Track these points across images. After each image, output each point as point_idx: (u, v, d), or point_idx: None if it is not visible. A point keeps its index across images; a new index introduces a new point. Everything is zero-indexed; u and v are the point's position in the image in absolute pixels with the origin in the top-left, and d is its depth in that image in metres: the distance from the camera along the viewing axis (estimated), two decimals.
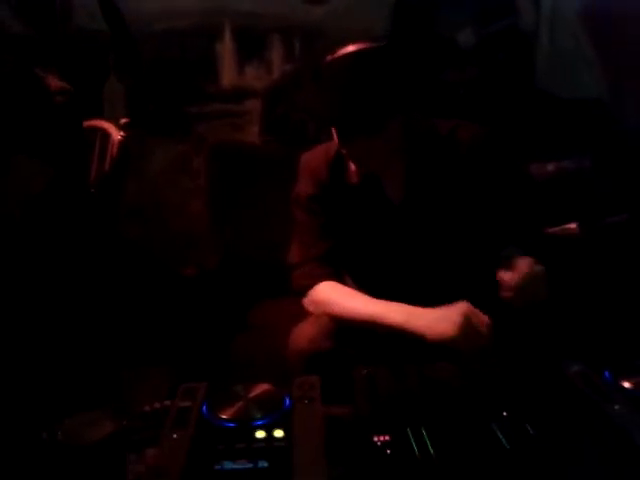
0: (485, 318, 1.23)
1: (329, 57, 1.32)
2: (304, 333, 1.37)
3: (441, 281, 1.39)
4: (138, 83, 2.16)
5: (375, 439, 0.94)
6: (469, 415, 0.98)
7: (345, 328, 1.34)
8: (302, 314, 1.44)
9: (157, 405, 1.06)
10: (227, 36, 2.17)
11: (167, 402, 1.05)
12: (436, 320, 1.24)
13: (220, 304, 1.89)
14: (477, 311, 1.24)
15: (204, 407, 1.00)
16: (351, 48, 1.31)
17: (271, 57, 2.22)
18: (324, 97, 1.31)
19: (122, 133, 1.65)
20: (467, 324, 1.22)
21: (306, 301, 1.43)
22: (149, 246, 2.04)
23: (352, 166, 1.40)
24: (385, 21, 2.15)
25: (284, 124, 2.28)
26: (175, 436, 0.94)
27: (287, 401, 1.02)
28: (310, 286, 1.41)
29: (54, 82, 1.51)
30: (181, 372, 1.62)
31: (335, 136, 1.34)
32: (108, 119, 1.74)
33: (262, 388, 1.05)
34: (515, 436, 0.94)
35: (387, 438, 0.94)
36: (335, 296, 1.39)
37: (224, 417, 0.98)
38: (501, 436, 0.94)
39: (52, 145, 1.44)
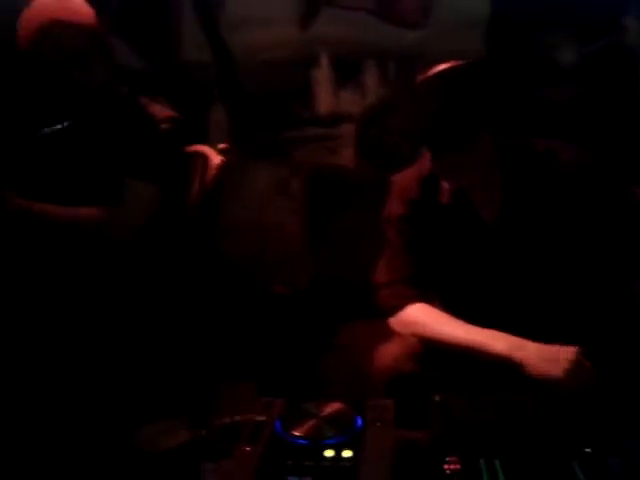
0: (591, 369, 1.18)
1: (421, 76, 1.34)
2: (388, 353, 1.37)
3: (535, 307, 1.34)
4: (240, 111, 2.27)
5: (445, 467, 0.92)
6: (548, 450, 0.94)
7: (429, 351, 1.33)
8: (389, 335, 1.44)
9: (237, 418, 1.10)
10: (324, 63, 2.24)
11: (247, 416, 1.09)
12: (543, 357, 1.20)
13: (309, 323, 1.93)
14: (585, 360, 1.19)
15: (278, 423, 1.03)
16: (442, 67, 1.33)
17: (366, 82, 2.26)
18: (417, 114, 1.33)
19: (220, 158, 1.74)
20: (575, 371, 1.17)
21: (393, 321, 1.42)
22: (244, 264, 2.12)
23: (444, 185, 1.39)
24: (480, 42, 2.13)
25: (378, 148, 2.30)
26: (248, 449, 0.97)
27: (359, 422, 1.03)
28: (398, 307, 1.41)
29: (159, 110, 1.63)
30: (269, 388, 1.66)
31: (427, 154, 1.34)
32: (209, 144, 1.84)
33: (335, 407, 1.07)
34: (596, 476, 0.88)
35: (458, 467, 0.92)
36: (428, 319, 1.37)
37: (295, 434, 1.00)
38: (581, 475, 0.89)
39: (158, 169, 1.55)
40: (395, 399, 1.12)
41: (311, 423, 1.02)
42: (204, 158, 1.82)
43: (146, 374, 1.39)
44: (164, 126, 1.61)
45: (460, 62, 1.33)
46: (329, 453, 0.95)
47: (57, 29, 1.44)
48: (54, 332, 1.40)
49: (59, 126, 1.48)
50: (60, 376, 1.34)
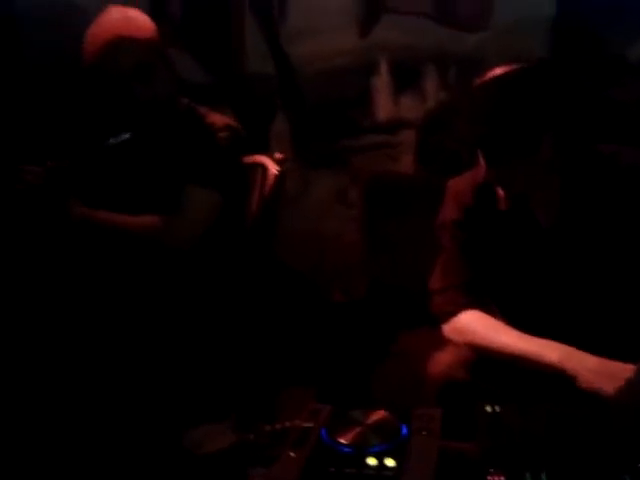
0: None
1: (478, 80, 1.32)
2: (441, 361, 1.36)
3: (592, 315, 1.29)
4: (302, 120, 2.30)
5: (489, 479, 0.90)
6: (598, 464, 0.90)
7: (482, 360, 1.30)
8: (444, 342, 1.42)
9: (286, 424, 1.12)
10: (383, 70, 2.24)
11: (295, 422, 1.10)
12: (598, 371, 1.16)
13: (367, 331, 1.93)
14: None
15: (324, 430, 1.04)
16: (498, 71, 1.30)
17: (426, 87, 2.24)
18: (473, 119, 1.31)
19: (278, 168, 1.77)
20: (631, 390, 1.12)
21: (447, 328, 1.41)
22: (304, 273, 2.15)
23: (500, 192, 1.37)
24: (544, 43, 2.07)
25: (439, 154, 2.27)
26: (293, 455, 0.99)
27: (404, 431, 1.02)
28: (452, 313, 1.39)
29: (218, 119, 1.67)
30: (327, 394, 1.67)
31: (483, 161, 1.32)
32: (267, 154, 1.87)
33: (381, 415, 1.06)
34: None
35: (502, 479, 0.90)
36: (482, 327, 1.35)
37: (340, 441, 1.00)
38: None
39: (216, 177, 1.59)
40: (445, 408, 1.10)
41: (356, 431, 1.03)
42: (263, 168, 1.86)
43: (202, 377, 1.44)
44: (222, 135, 1.64)
45: (517, 65, 1.30)
46: (372, 461, 0.95)
47: (121, 44, 1.51)
48: (109, 335, 1.46)
49: (122, 137, 1.55)
50: (114, 377, 1.40)
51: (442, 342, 1.42)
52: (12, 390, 1.39)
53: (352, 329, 1.92)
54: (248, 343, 1.65)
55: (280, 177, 1.78)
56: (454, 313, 1.38)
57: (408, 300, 1.94)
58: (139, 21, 1.59)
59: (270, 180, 1.79)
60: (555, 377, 1.18)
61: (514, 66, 1.30)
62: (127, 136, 1.56)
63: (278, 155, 1.79)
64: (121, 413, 1.31)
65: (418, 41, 2.19)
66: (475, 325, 1.35)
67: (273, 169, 1.79)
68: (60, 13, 2.28)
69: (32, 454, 1.25)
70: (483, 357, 1.30)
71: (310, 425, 1.06)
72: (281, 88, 2.31)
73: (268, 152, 2.13)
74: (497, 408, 1.06)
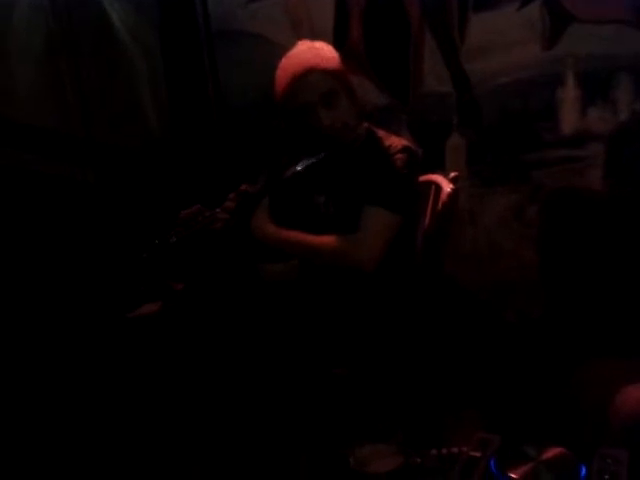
0: None
1: None
2: (633, 396, 1.25)
3: None
4: (479, 136, 2.26)
5: None
6: None
7: None
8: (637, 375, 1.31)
9: (453, 449, 1.11)
10: (570, 81, 2.12)
11: (463, 448, 1.09)
12: None
13: (542, 355, 1.83)
14: None
15: (492, 461, 1.01)
16: None
17: (618, 97, 2.08)
18: None
19: (452, 186, 1.75)
20: None
21: None
22: (478, 291, 2.10)
23: None
24: None
25: (632, 167, 2.10)
26: None
27: (583, 472, 0.96)
28: None
29: (397, 141, 1.72)
30: (494, 420, 1.62)
31: None
32: (441, 173, 1.87)
33: (557, 452, 1.01)
34: None
35: None
36: None
37: (510, 475, 0.97)
38: None
39: (395, 198, 1.62)
40: (632, 450, 1.01)
41: (528, 466, 0.99)
42: (437, 187, 1.86)
43: (369, 394, 1.47)
44: (400, 156, 1.67)
45: None
46: None
47: (310, 75, 1.61)
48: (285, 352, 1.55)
49: (311, 161, 1.65)
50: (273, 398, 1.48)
51: (634, 374, 1.31)
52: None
53: (526, 351, 1.84)
54: (416, 362, 1.66)
55: (453, 195, 1.76)
56: None
57: (589, 326, 1.81)
58: (325, 52, 1.68)
59: (443, 198, 1.78)
60: None
61: None
62: (314, 159, 1.65)
63: (453, 173, 1.78)
64: (286, 431, 1.38)
65: (610, 49, 2.04)
66: None
67: (447, 187, 1.78)
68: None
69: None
70: None
71: (478, 455, 1.04)
72: (459, 105, 2.29)
73: (443, 169, 2.14)
74: None
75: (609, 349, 1.66)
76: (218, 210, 1.66)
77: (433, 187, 1.88)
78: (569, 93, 2.13)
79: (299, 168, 1.64)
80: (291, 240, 1.66)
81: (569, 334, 1.81)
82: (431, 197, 1.88)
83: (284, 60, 1.71)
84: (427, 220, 1.86)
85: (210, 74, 2.58)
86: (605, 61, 2.06)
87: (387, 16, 2.33)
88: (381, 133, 1.76)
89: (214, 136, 2.61)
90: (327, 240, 1.63)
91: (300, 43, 1.73)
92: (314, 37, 1.79)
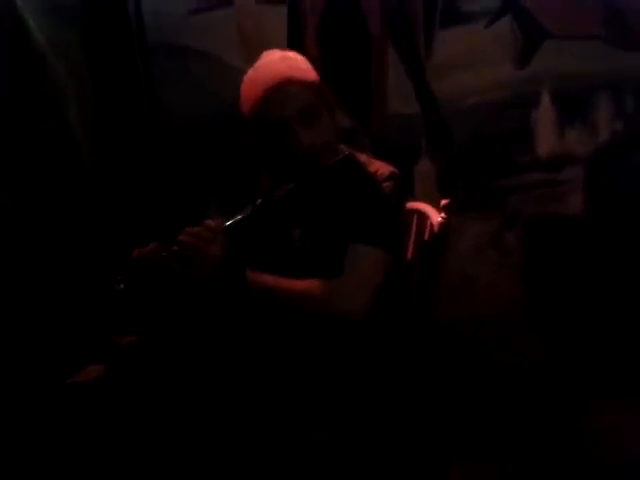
0: None
1: None
2: None
3: None
4: (450, 160, 2.11)
5: None
6: None
7: None
8: None
9: None
10: (545, 101, 2.01)
11: None
12: None
13: (544, 400, 1.66)
14: None
15: None
16: None
17: (597, 118, 1.99)
18: None
19: (443, 215, 1.56)
20: None
21: None
22: (456, 327, 1.92)
23: None
24: None
25: (611, 192, 2.00)
26: None
27: None
28: None
29: (382, 167, 1.51)
30: (512, 471, 1.43)
31: None
32: (428, 199, 1.68)
33: None
34: None
35: None
36: None
37: None
38: None
39: (384, 233, 1.41)
40: None
41: None
42: (419, 216, 1.67)
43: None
44: (387, 184, 1.47)
45: None
46: None
47: (285, 87, 1.39)
48: None
49: (286, 189, 1.41)
50: None
51: None
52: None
53: (528, 397, 1.66)
54: (407, 412, 1.44)
55: (445, 225, 1.57)
56: None
57: (595, 365, 1.67)
58: (301, 63, 1.46)
59: (435, 229, 1.58)
60: None
61: None
62: (290, 187, 1.41)
63: (444, 201, 1.58)
64: None
65: (588, 67, 1.95)
66: None
67: (436, 216, 1.59)
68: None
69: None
70: None
71: None
72: (427, 127, 2.13)
73: (412, 196, 1.96)
74: None
75: (613, 388, 1.50)
76: (177, 247, 1.37)
77: (415, 216, 1.69)
78: (545, 114, 2.03)
79: (275, 195, 1.40)
80: (266, 286, 1.39)
81: (570, 376, 1.66)
82: (413, 228, 1.69)
83: (251, 72, 1.46)
84: (409, 256, 1.66)
85: (146, 93, 2.30)
86: (582, 80, 1.97)
87: (346, 30, 2.15)
88: (362, 157, 1.55)
89: (153, 160, 2.32)
90: (308, 286, 1.38)
91: (269, 52, 1.49)
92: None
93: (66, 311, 1.58)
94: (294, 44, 2.18)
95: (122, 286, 1.32)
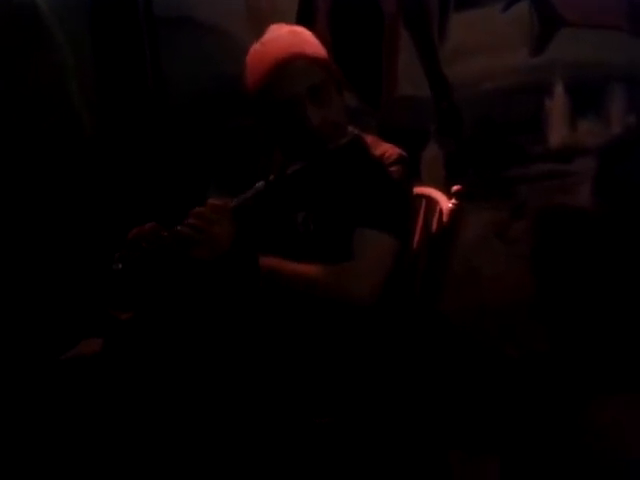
0: None
1: None
2: None
3: None
4: (459, 147, 2.06)
5: None
6: None
7: None
8: None
9: None
10: (558, 90, 1.97)
11: None
12: None
13: (548, 393, 1.64)
14: None
15: None
16: None
17: (610, 110, 1.95)
18: None
19: (454, 201, 1.52)
20: None
21: None
22: (462, 320, 1.89)
23: None
24: None
25: (623, 184, 1.97)
26: None
27: None
28: None
29: (390, 149, 1.46)
30: (513, 463, 1.41)
31: None
32: (435, 186, 1.64)
33: None
34: None
35: None
36: None
37: None
38: None
39: (392, 217, 1.37)
40: None
41: None
42: (427, 202, 1.62)
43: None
44: (395, 168, 1.42)
45: None
46: None
47: (295, 62, 1.33)
48: None
49: (294, 168, 1.36)
50: None
51: None
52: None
53: (531, 389, 1.64)
54: (409, 404, 1.42)
55: (456, 212, 1.52)
56: None
57: (601, 358, 1.65)
58: (309, 38, 1.40)
59: (444, 216, 1.54)
60: None
61: None
62: (298, 167, 1.36)
63: (455, 187, 1.53)
64: None
65: (604, 57, 1.91)
66: None
67: (446, 203, 1.54)
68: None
69: None
70: None
71: None
72: (437, 112, 2.08)
73: (420, 181, 1.92)
74: None
75: (616, 382, 1.48)
76: (180, 228, 1.32)
77: (423, 202, 1.64)
78: (558, 103, 1.98)
79: (284, 175, 1.35)
80: (272, 268, 1.34)
81: (574, 369, 1.63)
82: (421, 214, 1.64)
83: (258, 46, 1.39)
84: (416, 243, 1.62)
85: (151, 65, 2.24)
86: (597, 70, 1.92)
87: (358, 9, 2.09)
88: (369, 139, 1.50)
89: (154, 135, 2.26)
90: (316, 270, 1.32)
91: (276, 27, 1.41)
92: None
93: (65, 286, 1.54)
94: (304, 21, 2.13)
95: (120, 266, 1.27)
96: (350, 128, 1.48)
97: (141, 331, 1.43)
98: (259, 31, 1.48)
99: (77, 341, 1.46)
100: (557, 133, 2.00)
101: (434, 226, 1.57)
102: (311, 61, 1.34)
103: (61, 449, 1.37)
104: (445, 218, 1.52)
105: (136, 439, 1.29)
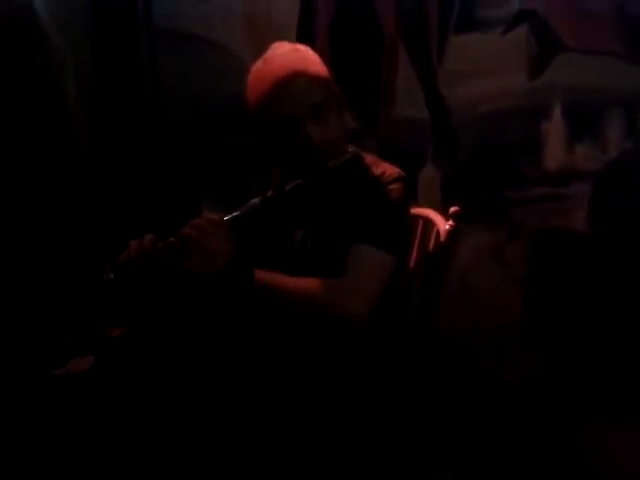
0: None
1: None
2: None
3: None
4: (454, 169, 2.07)
5: None
6: None
7: None
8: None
9: None
10: (556, 114, 1.98)
11: None
12: None
13: (543, 416, 1.63)
14: None
15: None
16: None
17: (608, 134, 1.95)
18: None
19: (450, 222, 1.52)
20: None
21: None
22: (459, 342, 1.88)
23: None
24: None
25: (618, 210, 1.97)
26: None
27: None
28: None
29: (390, 169, 1.46)
30: None
31: None
32: (431, 207, 1.64)
33: None
34: None
35: None
36: None
37: None
38: None
39: (390, 235, 1.36)
40: None
41: None
42: (425, 223, 1.62)
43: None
44: (394, 186, 1.42)
45: None
46: None
47: (297, 81, 1.33)
48: None
49: (293, 184, 1.36)
50: None
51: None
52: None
53: (524, 411, 1.62)
54: (403, 423, 1.40)
55: (453, 234, 1.52)
56: None
57: (592, 385, 1.64)
58: (311, 56, 1.41)
59: (441, 237, 1.53)
60: None
61: None
62: (296, 184, 1.35)
63: (453, 208, 1.53)
64: None
65: (601, 82, 1.92)
66: None
67: (443, 224, 1.54)
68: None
69: None
70: None
71: None
72: (434, 133, 2.09)
73: (416, 203, 1.91)
74: None
75: (610, 409, 1.46)
76: (172, 240, 1.30)
77: (420, 222, 1.64)
78: (555, 127, 1.99)
79: (282, 191, 1.34)
80: (266, 283, 1.33)
81: (568, 393, 1.62)
82: (418, 235, 1.64)
83: (260, 64, 1.40)
84: (412, 262, 1.61)
85: (150, 78, 2.23)
86: (595, 94, 1.93)
87: (358, 29, 2.10)
88: (369, 158, 1.50)
89: (150, 146, 2.25)
90: (311, 285, 1.31)
91: (278, 44, 1.42)
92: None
93: (55, 299, 1.51)
94: (304, 39, 2.13)
95: (112, 276, 1.25)
96: (350, 147, 1.48)
97: (132, 348, 1.40)
98: (259, 47, 1.48)
99: (68, 358, 1.43)
100: (554, 156, 2.00)
101: (431, 246, 1.57)
102: (313, 79, 1.35)
103: (52, 464, 1.34)
104: (442, 239, 1.52)
105: (127, 457, 1.26)
